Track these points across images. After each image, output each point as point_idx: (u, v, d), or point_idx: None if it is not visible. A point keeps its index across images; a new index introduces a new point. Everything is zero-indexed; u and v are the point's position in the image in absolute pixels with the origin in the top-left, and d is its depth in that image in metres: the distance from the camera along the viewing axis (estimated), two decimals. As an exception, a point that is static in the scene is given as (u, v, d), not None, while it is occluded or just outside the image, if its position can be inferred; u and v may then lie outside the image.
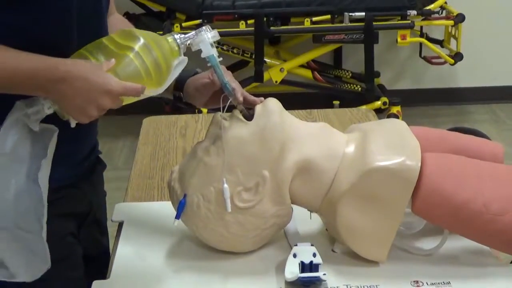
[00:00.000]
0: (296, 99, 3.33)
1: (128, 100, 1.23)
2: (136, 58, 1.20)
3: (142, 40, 1.22)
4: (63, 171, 1.32)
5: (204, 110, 3.36)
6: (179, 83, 1.39)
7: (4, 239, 1.20)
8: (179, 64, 1.28)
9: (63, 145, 1.25)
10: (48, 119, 1.21)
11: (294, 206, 1.33)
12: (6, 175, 1.19)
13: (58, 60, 1.17)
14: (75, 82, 1.15)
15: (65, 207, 1.37)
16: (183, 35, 1.27)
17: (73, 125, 1.22)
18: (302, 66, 3.93)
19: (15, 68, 1.16)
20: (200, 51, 1.27)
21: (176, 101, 1.42)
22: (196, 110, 3.36)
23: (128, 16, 3.84)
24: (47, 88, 1.16)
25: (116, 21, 1.48)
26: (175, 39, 1.26)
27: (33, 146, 1.21)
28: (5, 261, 1.20)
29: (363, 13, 3.60)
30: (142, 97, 1.23)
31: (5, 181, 1.19)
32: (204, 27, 1.27)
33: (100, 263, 1.45)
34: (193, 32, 1.27)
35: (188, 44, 1.27)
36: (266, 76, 3.76)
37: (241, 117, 1.29)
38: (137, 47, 1.21)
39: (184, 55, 1.28)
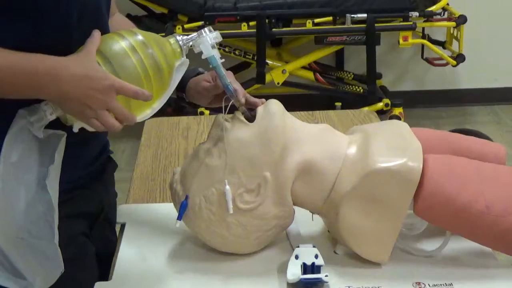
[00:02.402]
0: (298, 100, 3.33)
1: (141, 113, 1.24)
2: (133, 53, 1.20)
3: (140, 37, 1.22)
4: (74, 172, 1.32)
5: (206, 112, 3.36)
6: (180, 84, 1.39)
7: (20, 248, 1.19)
8: (181, 66, 1.28)
9: (73, 147, 1.25)
10: (54, 123, 1.21)
11: (296, 208, 1.33)
12: (16, 185, 1.18)
13: (55, 61, 1.16)
14: (74, 81, 1.15)
15: (77, 207, 1.37)
16: (185, 37, 1.27)
17: (75, 130, 1.22)
18: (304, 67, 3.93)
19: (12, 68, 1.14)
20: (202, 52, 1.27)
21: (179, 100, 1.42)
22: (198, 112, 3.37)
23: (130, 18, 3.84)
24: (47, 89, 1.16)
25: (118, 21, 1.47)
26: (177, 41, 1.26)
27: (41, 153, 1.20)
28: (22, 271, 1.19)
29: (365, 15, 3.60)
30: (155, 110, 1.24)
31: (16, 191, 1.18)
32: (205, 28, 1.27)
33: (110, 263, 1.45)
34: (195, 34, 1.27)
35: (190, 46, 1.27)
36: (268, 77, 3.76)
37: (243, 118, 1.29)
38: (134, 42, 1.21)
39: (187, 56, 1.28)
